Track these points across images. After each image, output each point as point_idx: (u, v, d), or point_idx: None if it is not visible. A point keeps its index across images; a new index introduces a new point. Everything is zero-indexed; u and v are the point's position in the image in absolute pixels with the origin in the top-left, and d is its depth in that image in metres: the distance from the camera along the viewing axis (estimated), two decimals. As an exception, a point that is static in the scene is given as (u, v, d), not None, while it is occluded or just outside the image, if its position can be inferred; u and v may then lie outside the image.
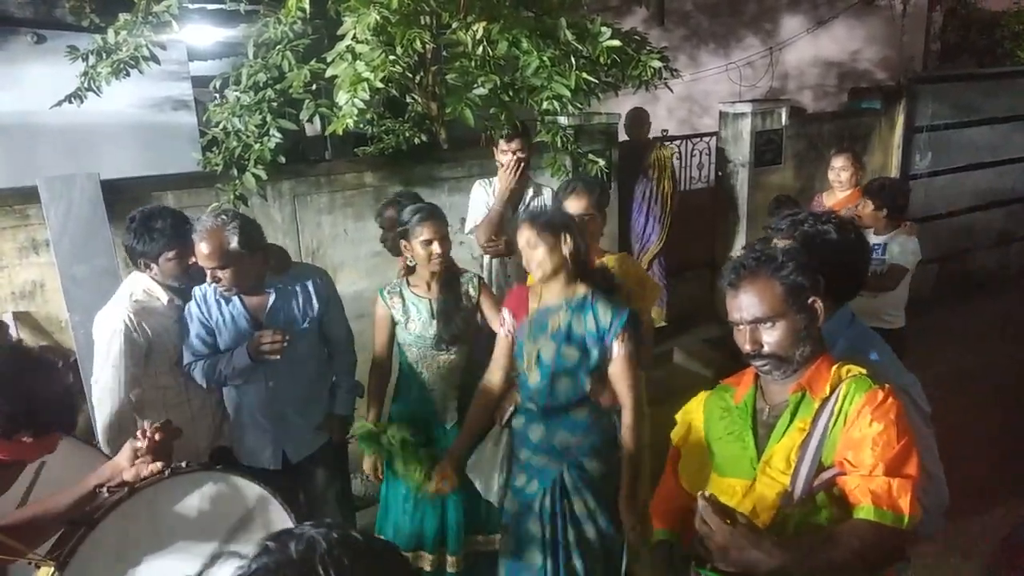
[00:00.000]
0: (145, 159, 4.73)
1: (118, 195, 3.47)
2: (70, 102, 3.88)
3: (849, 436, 1.60)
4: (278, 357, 2.58)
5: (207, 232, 2.50)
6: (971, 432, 3.95)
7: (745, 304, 1.69)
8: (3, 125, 4.83)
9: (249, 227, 2.60)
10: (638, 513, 2.38)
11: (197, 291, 2.72)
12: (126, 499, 1.70)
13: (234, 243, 2.52)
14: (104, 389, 2.55)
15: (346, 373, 3.02)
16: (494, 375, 2.71)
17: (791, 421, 1.69)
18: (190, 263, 2.66)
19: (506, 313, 2.67)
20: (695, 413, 1.98)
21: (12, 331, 2.66)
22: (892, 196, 3.82)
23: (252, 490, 1.96)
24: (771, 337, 1.68)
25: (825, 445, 1.63)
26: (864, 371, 1.68)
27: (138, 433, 1.75)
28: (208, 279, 2.59)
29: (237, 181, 3.61)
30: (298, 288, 2.80)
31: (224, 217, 2.56)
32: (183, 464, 1.86)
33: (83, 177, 3.32)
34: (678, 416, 2.04)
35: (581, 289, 2.51)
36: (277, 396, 2.79)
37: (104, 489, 1.71)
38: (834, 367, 1.70)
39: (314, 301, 2.82)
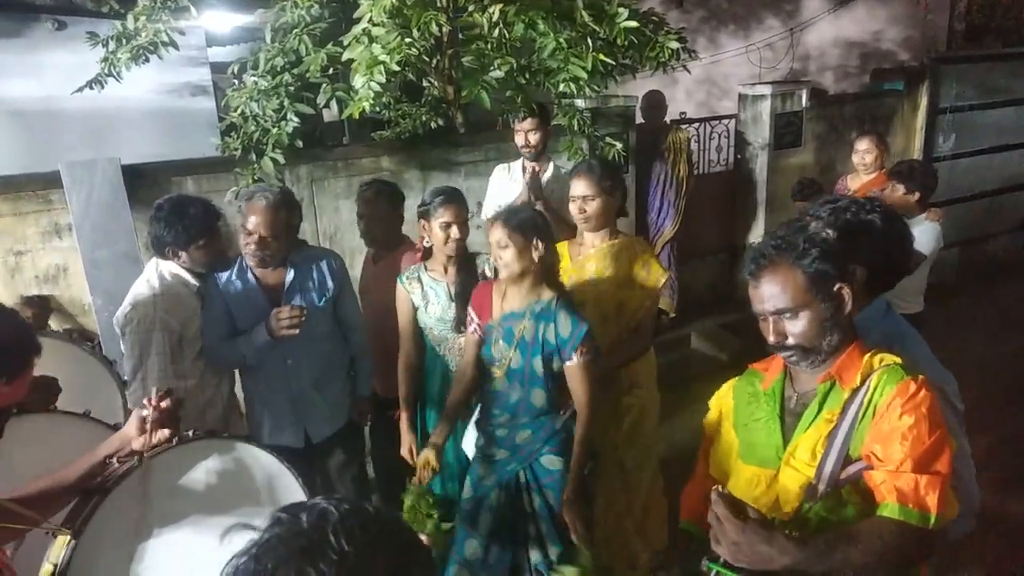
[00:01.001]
0: (165, 144, 4.77)
1: (139, 180, 3.51)
2: (91, 88, 3.92)
3: (878, 429, 1.53)
4: (296, 332, 2.61)
5: (267, 203, 2.63)
6: (990, 422, 3.90)
7: (767, 295, 1.63)
8: (25, 111, 4.89)
9: (294, 200, 2.78)
10: (583, 516, 2.33)
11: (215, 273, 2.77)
12: (137, 468, 1.73)
13: (286, 214, 2.69)
14: (152, 378, 2.51)
15: (363, 355, 3.06)
16: (467, 370, 2.68)
17: (819, 411, 1.63)
18: (219, 250, 2.72)
19: (471, 311, 2.65)
20: (726, 398, 1.93)
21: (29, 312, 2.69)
22: (923, 179, 3.77)
23: (262, 458, 1.99)
24: (795, 328, 1.61)
25: (853, 437, 1.56)
26: (898, 360, 1.61)
27: (144, 402, 1.77)
28: (254, 246, 2.65)
29: (255, 165, 3.63)
30: (314, 268, 2.85)
31: (276, 190, 2.72)
32: (190, 433, 1.89)
33: (104, 162, 3.36)
34: (711, 402, 1.99)
35: (546, 294, 2.49)
36: (296, 374, 2.83)
37: (114, 459, 1.73)
38: (866, 356, 1.63)
39: (329, 282, 2.86)
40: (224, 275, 2.75)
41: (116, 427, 2.18)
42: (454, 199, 2.80)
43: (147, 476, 1.76)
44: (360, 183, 3.40)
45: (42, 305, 2.55)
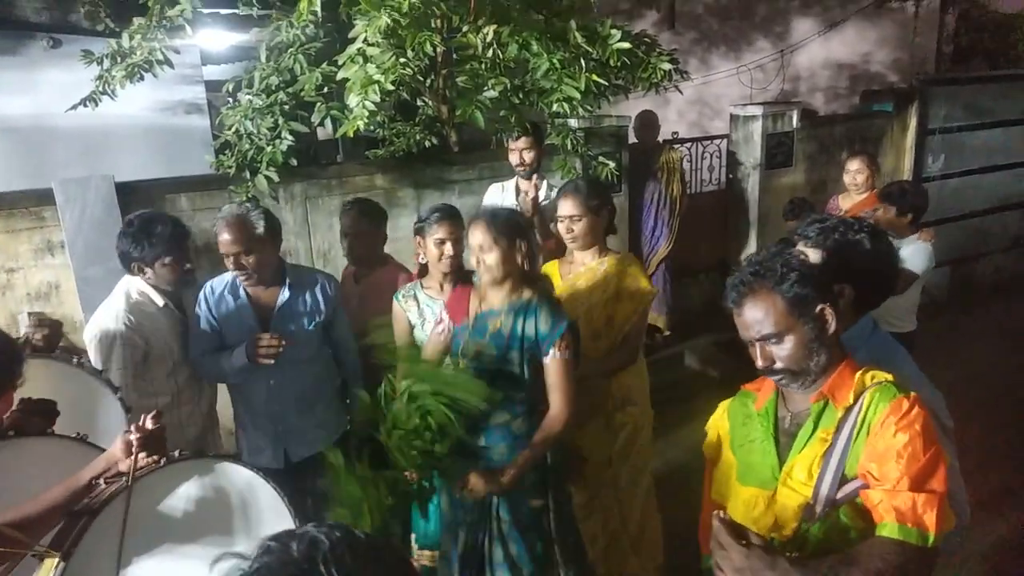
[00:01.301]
0: (159, 162, 4.77)
1: (132, 197, 3.51)
2: (85, 105, 3.92)
3: (873, 447, 1.53)
4: (272, 362, 2.61)
5: (233, 218, 2.62)
6: (982, 439, 3.91)
7: (750, 322, 1.64)
8: (20, 128, 4.89)
9: (270, 215, 2.74)
10: (496, 483, 2.27)
11: (207, 286, 2.78)
12: (124, 488, 1.72)
13: (260, 228, 2.65)
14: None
15: (355, 380, 3.02)
16: None
17: (813, 430, 1.64)
18: (185, 269, 2.71)
19: (444, 312, 2.61)
20: (721, 421, 1.93)
21: (25, 330, 2.67)
22: (914, 199, 3.81)
23: (249, 477, 1.98)
24: (782, 352, 1.63)
25: (848, 456, 1.57)
26: (890, 377, 1.62)
27: (132, 426, 1.77)
28: (232, 267, 2.65)
29: (249, 183, 3.64)
30: (308, 290, 2.85)
31: (248, 206, 2.71)
32: (176, 453, 1.88)
33: (98, 179, 3.36)
34: (708, 427, 1.98)
35: (527, 293, 2.43)
36: (277, 396, 2.82)
37: (100, 481, 1.73)
38: (858, 374, 1.64)
39: (322, 305, 2.86)
40: (217, 289, 2.76)
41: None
42: (449, 216, 2.80)
43: (133, 498, 1.75)
44: (343, 202, 3.40)
45: (53, 327, 2.53)
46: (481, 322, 2.46)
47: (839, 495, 1.56)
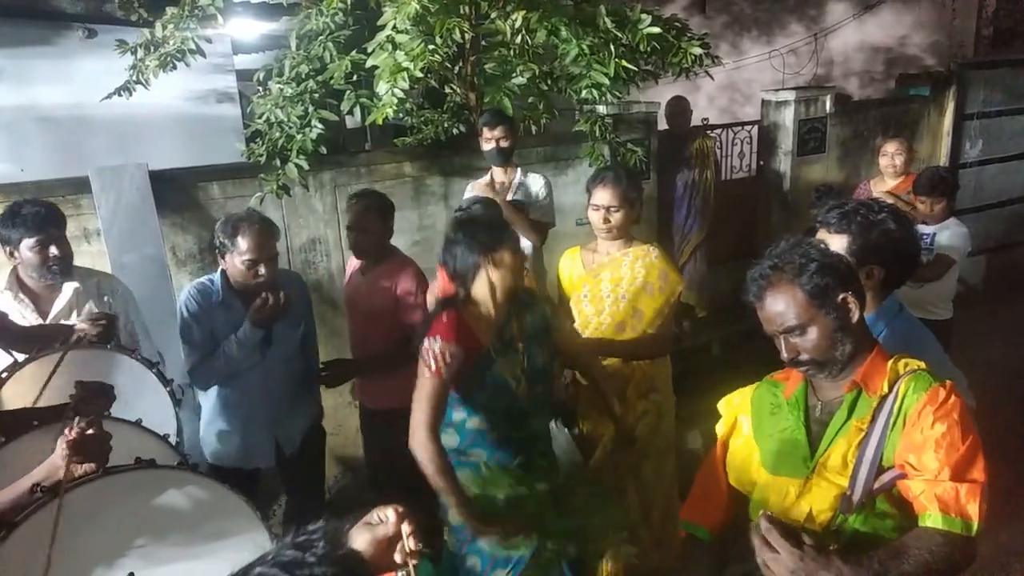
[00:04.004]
0: (191, 150, 4.83)
1: (166, 185, 3.56)
2: (119, 95, 3.99)
3: (910, 438, 1.53)
4: (277, 314, 2.67)
5: (261, 229, 2.63)
6: (1015, 431, 3.83)
7: (773, 315, 1.64)
8: (56, 117, 4.98)
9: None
10: None
11: (191, 293, 2.75)
12: (47, 502, 1.57)
13: (277, 238, 2.71)
14: None
15: (313, 369, 3.11)
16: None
17: (847, 419, 1.63)
18: (53, 256, 2.62)
19: (440, 348, 2.20)
20: (742, 407, 1.91)
21: (80, 325, 2.69)
22: (950, 184, 3.76)
23: (204, 485, 1.84)
24: (806, 343, 1.62)
25: (885, 446, 1.56)
26: (923, 365, 1.61)
27: (67, 430, 1.66)
28: (251, 276, 2.65)
29: (280, 172, 3.67)
30: (289, 290, 2.83)
31: (262, 217, 2.71)
32: (133, 460, 1.75)
33: (132, 168, 3.41)
34: (721, 407, 1.97)
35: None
36: (272, 392, 2.86)
37: (38, 489, 1.60)
38: (890, 362, 1.63)
39: (300, 303, 2.92)
40: (204, 295, 2.75)
41: (166, 437, 2.18)
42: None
43: (69, 508, 1.58)
44: (348, 195, 3.35)
45: (108, 321, 2.53)
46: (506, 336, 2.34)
47: (876, 485, 1.56)
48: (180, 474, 1.84)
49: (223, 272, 2.74)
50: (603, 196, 2.83)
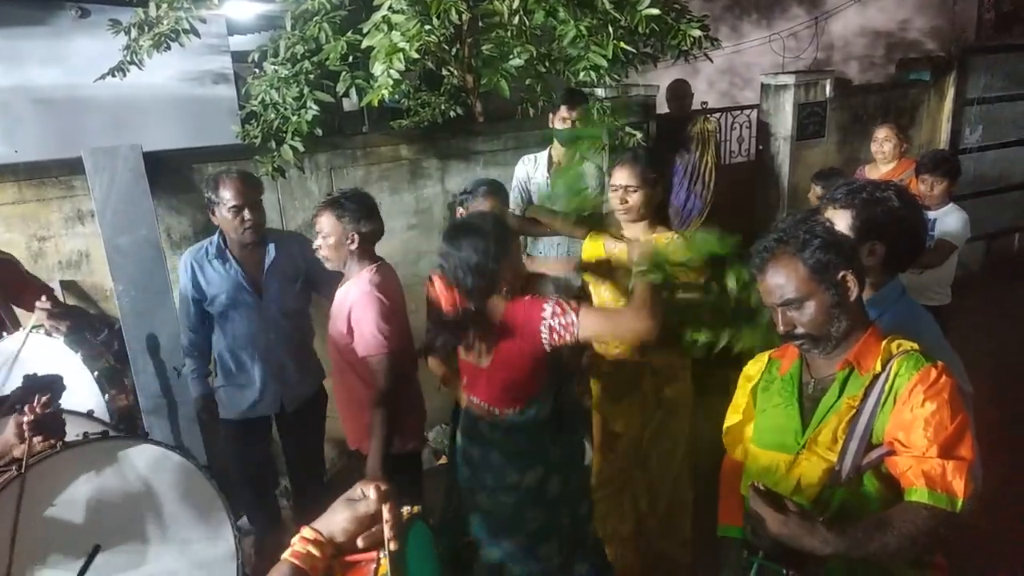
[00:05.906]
0: (186, 131, 4.80)
1: (160, 167, 3.53)
2: (113, 75, 3.94)
3: (900, 416, 1.57)
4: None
5: (240, 176, 2.84)
6: (1011, 417, 3.83)
7: (773, 287, 1.69)
8: (49, 98, 4.93)
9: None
10: None
11: (188, 257, 2.93)
12: (13, 479, 1.58)
13: (259, 187, 2.91)
14: None
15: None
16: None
17: (839, 397, 1.67)
18: (245, 219, 2.83)
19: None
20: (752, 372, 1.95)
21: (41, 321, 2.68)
22: (953, 165, 3.75)
23: (164, 456, 1.86)
24: (803, 317, 1.67)
25: (875, 423, 1.61)
26: (916, 346, 1.65)
27: (24, 407, 1.66)
28: (239, 223, 2.81)
29: (275, 153, 3.65)
30: (289, 249, 3.01)
31: (240, 169, 2.95)
32: (83, 434, 1.76)
33: (126, 148, 3.37)
34: (748, 371, 1.98)
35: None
36: (273, 348, 3.02)
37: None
38: (884, 342, 1.67)
39: (302, 261, 2.99)
40: (201, 257, 2.91)
41: (90, 413, 2.20)
42: (495, 192, 2.84)
43: (30, 484, 1.59)
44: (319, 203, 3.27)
45: (73, 316, 2.54)
46: None
47: (864, 461, 1.60)
48: (132, 442, 1.90)
49: (220, 232, 2.91)
50: (621, 176, 2.85)
